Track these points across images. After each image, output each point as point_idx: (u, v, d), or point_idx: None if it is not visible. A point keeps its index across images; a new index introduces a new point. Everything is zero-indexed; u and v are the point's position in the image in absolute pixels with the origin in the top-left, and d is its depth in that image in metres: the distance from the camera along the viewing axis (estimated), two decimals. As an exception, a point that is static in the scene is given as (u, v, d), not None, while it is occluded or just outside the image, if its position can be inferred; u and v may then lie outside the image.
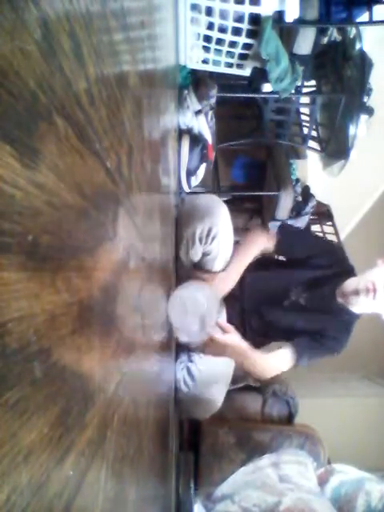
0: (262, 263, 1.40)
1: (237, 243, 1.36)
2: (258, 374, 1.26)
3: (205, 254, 1.30)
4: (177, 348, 1.38)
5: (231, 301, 1.38)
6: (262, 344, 1.40)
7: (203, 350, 1.25)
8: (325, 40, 1.94)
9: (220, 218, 1.26)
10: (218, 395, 1.30)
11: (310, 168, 2.58)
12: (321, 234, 2.66)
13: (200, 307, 1.16)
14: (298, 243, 1.38)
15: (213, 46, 1.65)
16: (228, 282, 1.29)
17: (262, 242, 1.35)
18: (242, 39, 1.58)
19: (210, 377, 1.29)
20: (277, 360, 1.28)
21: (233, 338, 1.15)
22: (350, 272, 1.31)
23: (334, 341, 1.30)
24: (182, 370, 1.33)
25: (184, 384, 1.30)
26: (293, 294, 1.31)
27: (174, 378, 1.30)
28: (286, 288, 1.32)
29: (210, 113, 1.80)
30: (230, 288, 1.33)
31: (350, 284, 1.23)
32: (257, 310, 1.35)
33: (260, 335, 1.39)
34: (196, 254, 1.29)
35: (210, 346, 1.19)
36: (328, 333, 1.29)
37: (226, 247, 1.29)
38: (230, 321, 1.35)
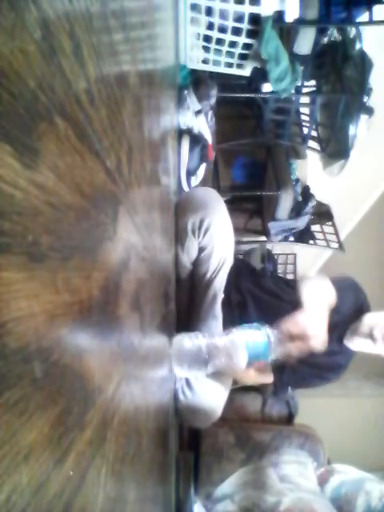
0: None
1: (238, 243, 1.33)
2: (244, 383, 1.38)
3: (201, 250, 1.28)
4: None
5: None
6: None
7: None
8: (325, 40, 1.95)
9: (213, 211, 1.23)
10: (217, 405, 1.29)
11: (310, 168, 2.58)
12: (321, 235, 2.66)
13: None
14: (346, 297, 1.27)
15: (213, 45, 1.65)
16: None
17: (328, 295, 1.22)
18: (242, 39, 1.58)
19: (209, 387, 1.28)
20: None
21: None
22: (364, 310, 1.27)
23: (334, 374, 1.29)
24: (181, 380, 1.31)
25: (182, 394, 1.28)
26: None
27: (173, 386, 1.30)
28: None
29: (210, 113, 1.80)
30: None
31: (368, 322, 1.19)
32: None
33: None
34: (193, 249, 1.27)
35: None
36: (333, 370, 1.28)
37: (222, 243, 1.26)
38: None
